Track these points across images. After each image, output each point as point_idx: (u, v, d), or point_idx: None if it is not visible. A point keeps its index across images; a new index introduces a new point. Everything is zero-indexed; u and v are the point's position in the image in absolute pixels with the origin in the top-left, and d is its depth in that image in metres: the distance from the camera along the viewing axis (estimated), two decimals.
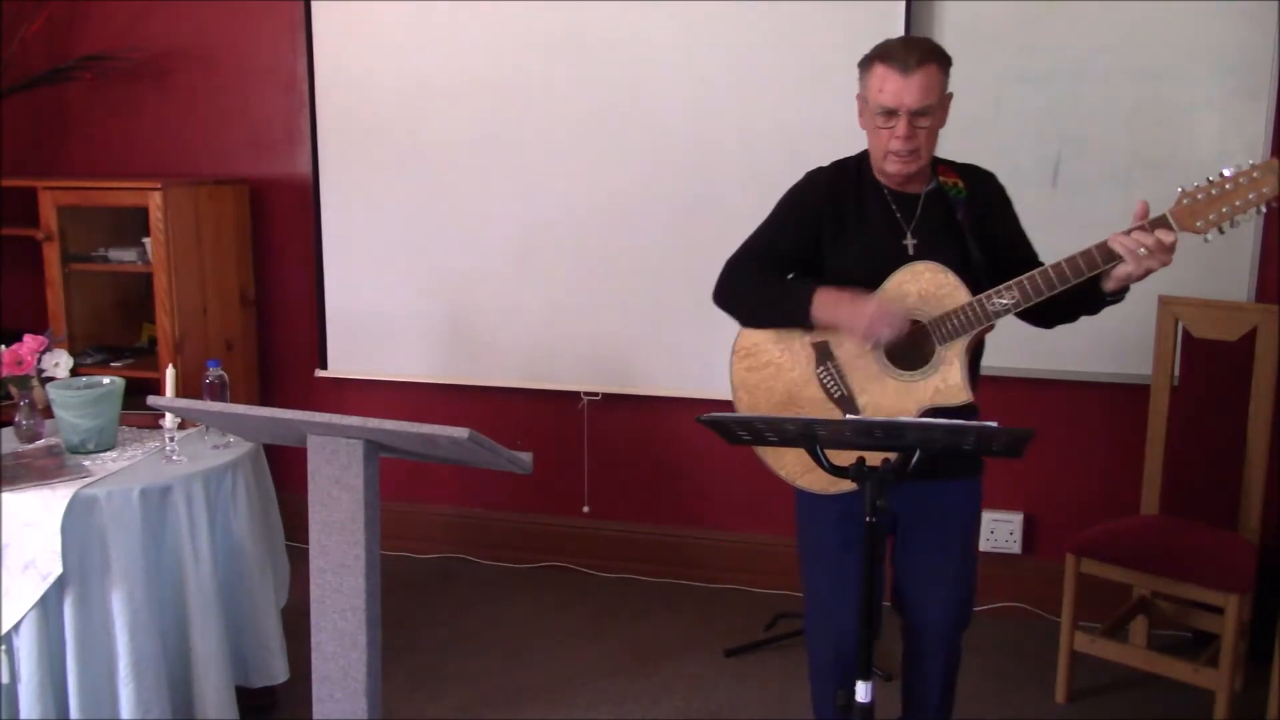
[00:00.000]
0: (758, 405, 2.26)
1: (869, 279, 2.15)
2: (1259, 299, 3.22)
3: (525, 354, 3.78)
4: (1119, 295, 2.06)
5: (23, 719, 2.45)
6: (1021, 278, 2.03)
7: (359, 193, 3.83)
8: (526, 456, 1.90)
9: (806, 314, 2.16)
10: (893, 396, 2.13)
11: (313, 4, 3.75)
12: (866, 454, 1.87)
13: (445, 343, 3.85)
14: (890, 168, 2.15)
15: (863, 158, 2.25)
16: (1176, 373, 3.15)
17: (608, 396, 3.79)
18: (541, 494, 3.95)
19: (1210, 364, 3.09)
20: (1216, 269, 3.21)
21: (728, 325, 3.54)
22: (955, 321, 2.08)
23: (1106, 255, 1.98)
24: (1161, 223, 1.96)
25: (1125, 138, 3.24)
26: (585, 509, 3.91)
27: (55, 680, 2.47)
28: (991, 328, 2.13)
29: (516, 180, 3.69)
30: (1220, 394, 3.07)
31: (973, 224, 2.17)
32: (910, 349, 2.13)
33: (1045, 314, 2.17)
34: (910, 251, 2.16)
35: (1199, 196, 1.95)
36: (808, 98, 3.40)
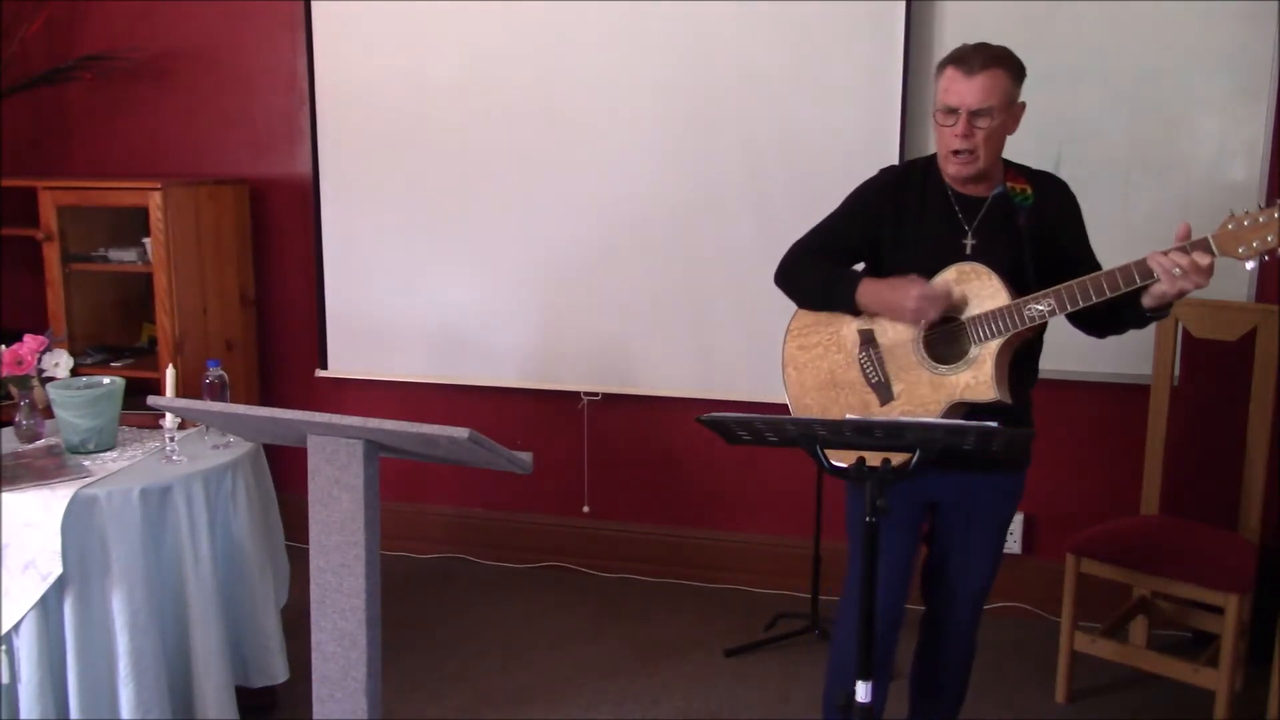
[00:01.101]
0: (804, 381, 2.34)
1: (924, 275, 2.20)
2: (1259, 299, 3.22)
3: (525, 354, 3.79)
4: (1161, 312, 2.09)
5: (23, 719, 2.45)
6: (1059, 287, 2.07)
7: (359, 193, 3.83)
8: (526, 456, 1.90)
9: (852, 299, 2.24)
10: (926, 387, 2.20)
11: (313, 4, 3.75)
12: (867, 454, 1.88)
13: (445, 343, 3.85)
14: (950, 168, 2.19)
15: (933, 159, 2.29)
16: (1176, 373, 3.15)
17: (608, 396, 3.79)
18: (541, 494, 3.95)
19: (1210, 364, 3.09)
20: (1216, 269, 3.19)
21: (728, 326, 3.56)
22: (991, 322, 2.13)
23: (1144, 273, 2.01)
24: (1202, 245, 1.98)
25: (1125, 138, 3.24)
26: (585, 509, 3.91)
27: (55, 680, 2.46)
28: (1036, 331, 2.20)
29: (516, 180, 3.69)
30: (1220, 394, 3.07)
31: (1034, 231, 2.20)
32: (948, 345, 2.19)
33: (1095, 324, 2.22)
34: (968, 252, 2.20)
35: (1245, 223, 1.96)
36: (808, 98, 3.40)
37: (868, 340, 2.28)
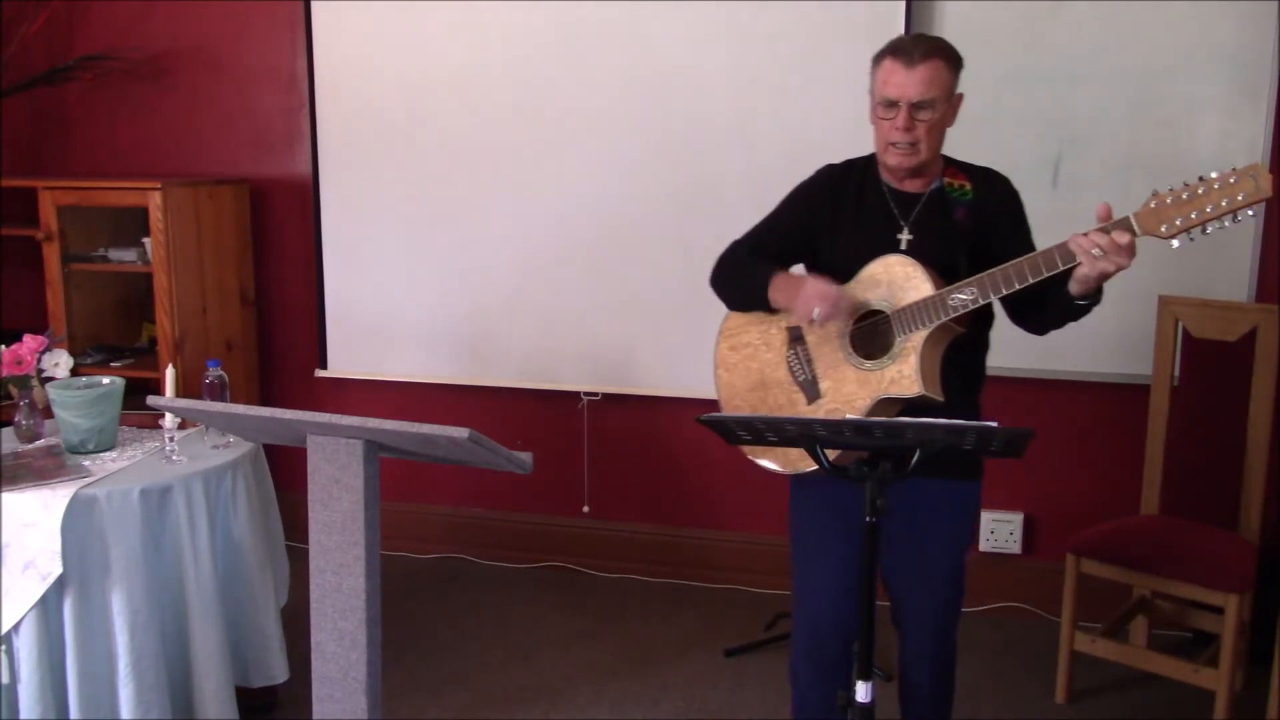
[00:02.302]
0: (734, 383, 2.30)
1: (856, 272, 2.16)
2: (1259, 299, 3.22)
3: (525, 354, 3.79)
4: (1092, 299, 2.02)
5: (23, 719, 2.45)
6: (982, 275, 2.02)
7: (359, 193, 3.83)
8: (526, 456, 1.90)
9: (765, 295, 2.20)
10: (852, 384, 2.14)
11: (313, 4, 3.75)
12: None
13: (445, 343, 3.85)
14: (890, 160, 2.14)
15: (873, 157, 2.25)
16: (1176, 373, 3.15)
17: (608, 396, 3.79)
18: (541, 494, 3.95)
19: (1210, 364, 3.08)
20: (1216, 269, 3.21)
21: None
22: (915, 314, 2.07)
23: (1065, 255, 1.95)
24: (1122, 224, 1.92)
25: (1125, 138, 3.24)
26: (585, 509, 3.91)
27: (55, 680, 2.46)
28: (970, 325, 2.12)
29: (516, 180, 3.69)
30: (1220, 394, 3.07)
31: (973, 227, 2.14)
32: (874, 340, 2.14)
33: (1028, 318, 2.17)
34: (902, 247, 2.15)
35: (1168, 200, 1.89)
36: (808, 98, 3.40)
37: (795, 338, 2.23)
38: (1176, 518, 3.11)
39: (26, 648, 2.42)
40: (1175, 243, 1.90)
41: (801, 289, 2.12)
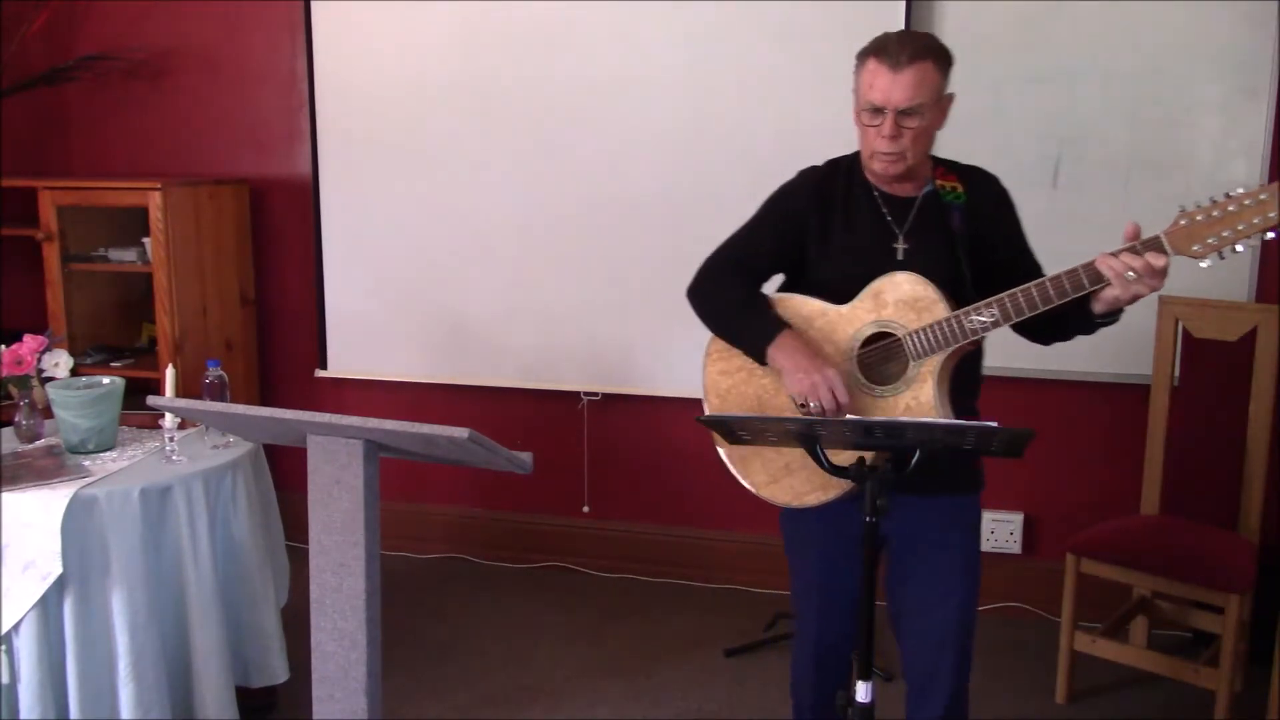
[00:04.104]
0: (727, 410, 2.16)
1: (852, 285, 2.04)
2: (1259, 299, 3.22)
3: (525, 354, 3.79)
4: (1111, 317, 1.96)
5: (23, 719, 2.45)
6: (1004, 295, 1.91)
7: (359, 193, 3.83)
8: (526, 456, 1.90)
9: (763, 351, 2.05)
10: (863, 412, 2.03)
11: (313, 4, 3.75)
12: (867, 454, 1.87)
13: (445, 343, 3.85)
14: (876, 166, 2.04)
15: (857, 157, 2.13)
16: (1176, 373, 3.15)
17: (608, 396, 3.79)
18: (541, 494, 3.95)
19: (1210, 364, 3.08)
20: (1216, 269, 3.16)
21: None
22: (930, 337, 1.96)
23: (1094, 277, 1.86)
24: (1154, 244, 1.83)
25: (1125, 138, 3.24)
26: (585, 509, 3.91)
27: (55, 680, 2.46)
28: (976, 344, 2.03)
29: (516, 180, 3.69)
30: (1220, 394, 3.07)
31: (968, 231, 2.05)
32: (885, 364, 2.03)
33: (1038, 332, 2.08)
34: (899, 257, 2.05)
35: (1198, 218, 1.81)
36: (807, 98, 3.40)
37: None
38: (1176, 518, 3.11)
39: (26, 648, 2.42)
40: (1205, 262, 1.83)
41: (819, 373, 1.97)
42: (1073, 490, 3.51)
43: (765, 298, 2.14)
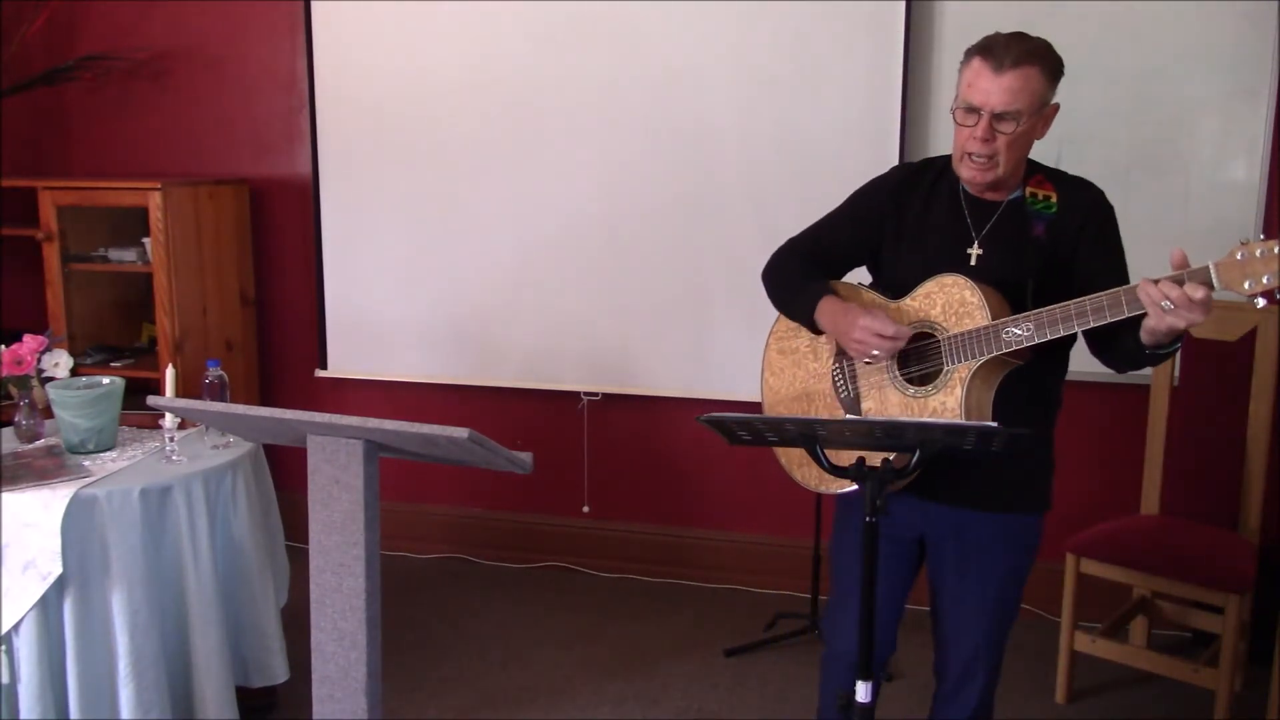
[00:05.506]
0: (778, 389, 2.21)
1: (915, 285, 2.03)
2: None
3: (525, 354, 3.79)
4: (1165, 348, 1.82)
5: (23, 719, 2.45)
6: (1041, 310, 1.87)
7: (359, 193, 3.83)
8: (526, 456, 1.90)
9: (812, 315, 2.08)
10: (895, 408, 2.04)
11: (313, 4, 3.75)
12: (867, 454, 1.87)
13: (445, 343, 3.85)
14: (964, 172, 1.98)
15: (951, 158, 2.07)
16: (1176, 373, 3.15)
17: (608, 396, 3.79)
18: (541, 494, 3.95)
19: (1210, 364, 3.09)
20: None
21: (727, 326, 3.56)
22: (966, 344, 1.94)
23: (1133, 302, 1.76)
24: (1200, 275, 1.69)
25: (1125, 138, 3.24)
26: (585, 509, 3.91)
27: (55, 680, 2.46)
28: (1037, 355, 1.96)
29: (517, 180, 3.69)
30: (1220, 394, 3.07)
31: (1052, 245, 1.97)
32: (924, 363, 2.02)
33: (1104, 354, 2.00)
34: (972, 262, 1.99)
35: (1257, 252, 1.65)
36: (807, 98, 3.40)
37: (842, 351, 2.11)
38: (1176, 518, 3.11)
39: (26, 648, 2.42)
40: (1261, 301, 1.68)
41: (853, 321, 1.98)
42: (1073, 490, 3.49)
43: (823, 279, 2.15)
